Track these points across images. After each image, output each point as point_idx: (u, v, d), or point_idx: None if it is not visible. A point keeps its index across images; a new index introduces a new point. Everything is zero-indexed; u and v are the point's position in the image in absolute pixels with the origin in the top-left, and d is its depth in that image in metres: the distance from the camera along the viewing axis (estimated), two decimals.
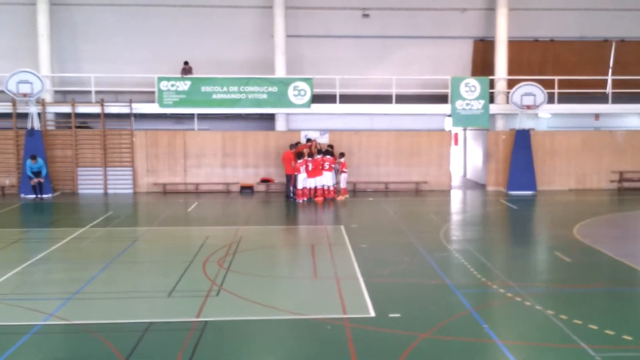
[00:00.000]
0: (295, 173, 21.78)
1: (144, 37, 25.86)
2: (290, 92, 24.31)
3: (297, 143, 23.20)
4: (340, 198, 22.23)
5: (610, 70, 26.99)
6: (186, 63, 24.42)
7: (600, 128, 26.47)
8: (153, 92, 24.27)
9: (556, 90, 24.92)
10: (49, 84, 24.60)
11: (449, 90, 24.65)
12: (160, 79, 24.10)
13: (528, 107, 23.76)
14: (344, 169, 22.60)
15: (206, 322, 8.96)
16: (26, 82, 22.67)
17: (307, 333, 8.65)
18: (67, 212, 20.35)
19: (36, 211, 20.52)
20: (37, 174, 22.34)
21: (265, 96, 24.35)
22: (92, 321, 9.04)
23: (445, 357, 7.81)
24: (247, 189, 24.56)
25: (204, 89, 24.20)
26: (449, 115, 24.97)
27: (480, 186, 26.36)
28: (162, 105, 24.23)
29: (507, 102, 24.78)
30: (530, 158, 24.26)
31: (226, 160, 24.76)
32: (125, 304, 10.08)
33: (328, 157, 22.04)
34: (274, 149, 24.55)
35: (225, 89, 24.26)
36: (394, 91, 24.80)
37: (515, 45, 26.01)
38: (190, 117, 25.39)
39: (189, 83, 24.14)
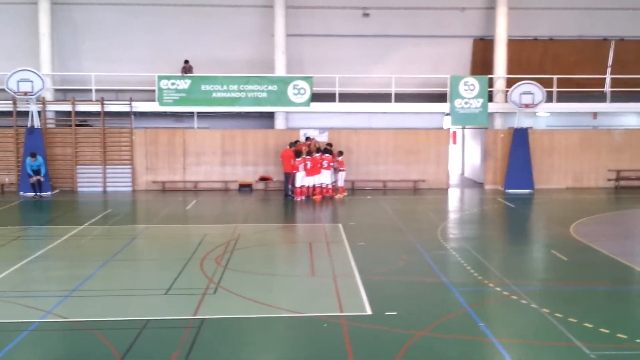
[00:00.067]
0: (294, 171, 21.84)
1: (144, 35, 25.88)
2: (290, 90, 24.36)
3: (296, 141, 23.26)
4: (338, 196, 22.28)
5: (609, 69, 27.01)
6: (186, 62, 24.46)
7: (598, 127, 26.50)
8: (153, 91, 24.32)
9: (555, 89, 24.96)
10: (50, 82, 24.64)
11: (448, 89, 24.69)
12: (161, 78, 24.14)
13: (526, 105, 23.82)
14: (342, 168, 22.64)
15: (203, 319, 9.01)
16: (27, 80, 22.74)
17: (304, 331, 8.70)
18: (66, 210, 20.40)
19: (35, 209, 20.58)
20: (37, 171, 22.40)
21: (264, 95, 24.39)
22: (90, 318, 9.08)
23: (442, 355, 7.86)
24: (245, 187, 24.61)
25: (204, 87, 24.24)
26: (448, 114, 25.02)
27: (478, 184, 26.42)
28: (162, 103, 24.28)
29: (506, 101, 24.82)
30: (528, 156, 24.31)
31: (225, 159, 24.81)
32: (123, 302, 10.13)
33: (327, 155, 22.08)
34: (273, 148, 24.60)
35: (225, 87, 24.31)
36: (393, 90, 24.84)
37: (514, 44, 26.04)
38: (190, 115, 25.44)
39: (189, 82, 24.19)
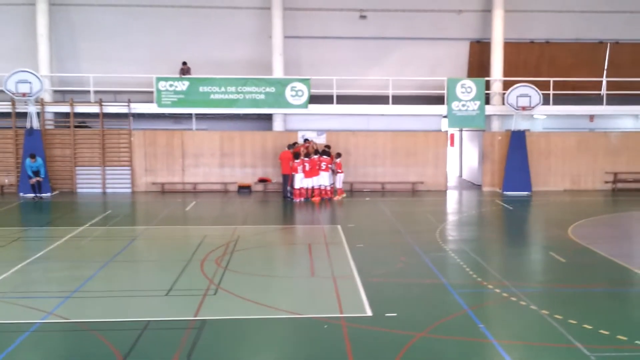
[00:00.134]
0: (293, 173, 21.89)
1: (142, 37, 25.88)
2: (288, 92, 24.41)
3: (295, 143, 23.31)
4: (337, 198, 22.33)
5: (605, 72, 27.12)
6: (184, 63, 24.49)
7: (594, 129, 26.58)
8: (151, 92, 24.36)
9: (551, 92, 25.04)
10: (48, 83, 24.63)
11: (445, 91, 24.77)
12: (159, 79, 24.17)
13: (523, 108, 23.91)
14: (340, 170, 22.68)
15: (204, 320, 9.05)
16: (25, 81, 22.77)
17: (304, 332, 8.74)
18: (66, 211, 20.41)
19: (35, 210, 20.58)
20: (37, 173, 22.40)
21: (262, 96, 24.43)
22: (91, 319, 9.11)
23: (441, 356, 7.91)
24: (244, 189, 24.64)
25: (202, 89, 24.27)
26: (445, 116, 25.10)
27: (476, 187, 26.50)
28: (160, 105, 24.30)
29: (503, 103, 24.90)
30: (525, 159, 24.40)
31: (224, 160, 24.85)
32: (123, 303, 10.16)
33: (325, 157, 22.14)
34: (272, 149, 24.65)
35: (223, 89, 24.34)
36: (390, 92, 24.90)
37: (511, 47, 26.15)
38: (188, 117, 25.45)
39: (187, 83, 24.22)
